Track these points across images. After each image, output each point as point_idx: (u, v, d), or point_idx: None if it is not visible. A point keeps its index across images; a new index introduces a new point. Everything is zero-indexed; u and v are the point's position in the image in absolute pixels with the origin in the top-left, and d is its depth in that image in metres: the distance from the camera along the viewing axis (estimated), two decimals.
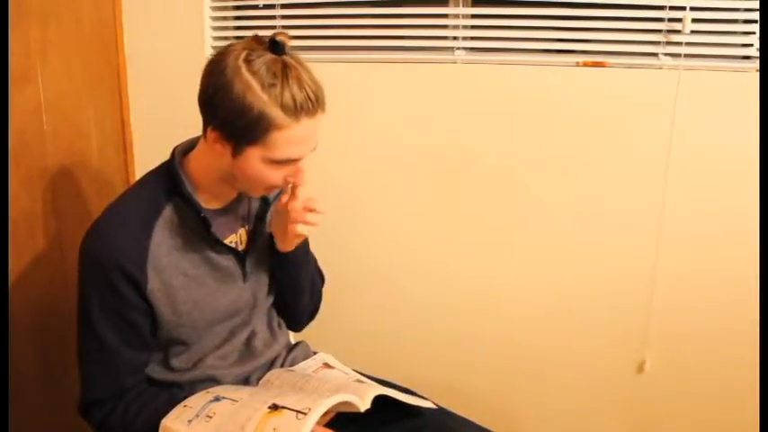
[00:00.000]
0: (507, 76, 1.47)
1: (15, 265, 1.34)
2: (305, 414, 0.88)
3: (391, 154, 1.58)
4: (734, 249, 1.42)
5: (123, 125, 1.67)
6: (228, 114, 0.88)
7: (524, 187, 1.52)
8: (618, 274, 1.51)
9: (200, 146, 1.00)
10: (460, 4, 1.48)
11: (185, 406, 0.97)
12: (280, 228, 1.06)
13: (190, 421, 0.93)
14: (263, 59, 0.88)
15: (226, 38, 1.65)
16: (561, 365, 1.60)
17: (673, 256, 1.46)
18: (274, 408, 0.91)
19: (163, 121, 1.66)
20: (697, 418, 1.54)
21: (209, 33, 1.62)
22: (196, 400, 0.98)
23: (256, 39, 0.91)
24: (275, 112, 0.88)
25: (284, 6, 1.56)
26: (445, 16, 1.51)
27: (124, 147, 1.68)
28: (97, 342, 0.98)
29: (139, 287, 0.96)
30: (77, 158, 1.52)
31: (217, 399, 0.97)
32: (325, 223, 1.63)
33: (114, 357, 0.99)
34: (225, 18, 1.64)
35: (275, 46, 0.89)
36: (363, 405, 0.95)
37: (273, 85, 0.87)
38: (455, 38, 1.50)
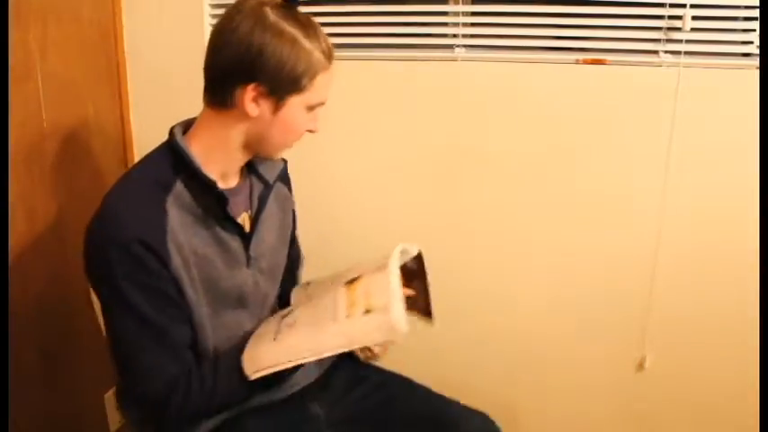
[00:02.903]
0: (507, 74, 1.47)
1: (15, 263, 1.34)
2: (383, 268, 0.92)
3: (391, 151, 1.58)
4: (734, 247, 1.42)
5: (123, 123, 1.67)
6: (279, 68, 0.92)
7: (524, 185, 1.52)
8: (617, 272, 1.51)
9: (208, 121, 0.99)
10: (460, 2, 1.47)
11: (258, 335, 0.97)
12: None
13: (274, 339, 0.93)
14: (291, 12, 0.94)
15: None
16: (561, 362, 1.60)
17: (672, 253, 1.46)
18: (351, 282, 0.95)
19: (162, 118, 1.64)
20: (696, 415, 1.54)
21: (209, 32, 1.62)
22: (266, 327, 0.99)
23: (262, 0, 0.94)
24: (318, 57, 0.94)
25: None
26: (445, 14, 1.50)
27: (124, 144, 1.68)
28: (147, 327, 0.93)
29: (165, 262, 0.93)
30: (77, 157, 1.52)
31: (286, 316, 0.99)
32: (326, 220, 1.64)
33: (168, 335, 0.95)
34: None
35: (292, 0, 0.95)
36: (413, 250, 1.07)
37: (310, 34, 0.94)
38: (455, 35, 1.50)
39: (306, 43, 0.93)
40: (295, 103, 0.96)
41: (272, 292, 1.16)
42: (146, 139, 1.69)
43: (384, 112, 1.56)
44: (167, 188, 0.96)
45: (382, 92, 1.55)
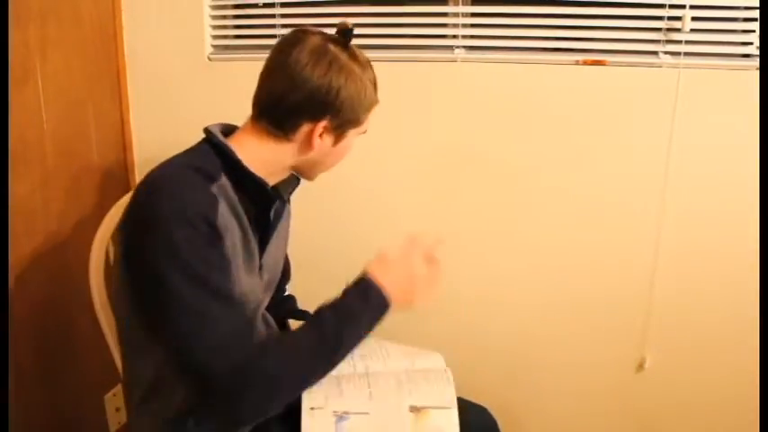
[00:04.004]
0: (507, 75, 1.47)
1: (15, 264, 1.34)
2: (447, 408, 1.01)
3: (391, 152, 1.57)
4: (733, 248, 1.42)
5: (123, 124, 1.67)
6: (349, 107, 0.97)
7: (524, 186, 1.52)
8: (617, 273, 1.51)
9: (260, 141, 0.98)
10: (460, 3, 1.48)
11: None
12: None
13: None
14: (350, 48, 0.97)
15: (225, 36, 1.65)
16: (561, 363, 1.60)
17: (672, 254, 1.46)
18: (416, 409, 1.00)
19: (163, 120, 1.66)
20: (697, 415, 1.54)
21: (209, 32, 1.62)
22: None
23: (320, 33, 0.97)
24: (373, 92, 1.00)
25: (284, 5, 1.56)
26: (445, 15, 1.51)
27: (123, 146, 1.67)
28: (217, 296, 0.87)
29: (223, 239, 0.90)
30: (77, 157, 1.52)
31: (341, 417, 0.99)
32: (325, 221, 1.64)
33: (240, 304, 0.91)
34: (224, 17, 1.63)
35: (348, 34, 0.97)
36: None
37: (366, 68, 0.99)
38: (455, 36, 1.50)
39: (366, 80, 0.97)
40: (352, 135, 1.02)
41: (266, 303, 1.15)
42: (146, 139, 1.69)
43: (383, 113, 1.55)
44: (212, 178, 0.93)
45: (381, 93, 1.53)
